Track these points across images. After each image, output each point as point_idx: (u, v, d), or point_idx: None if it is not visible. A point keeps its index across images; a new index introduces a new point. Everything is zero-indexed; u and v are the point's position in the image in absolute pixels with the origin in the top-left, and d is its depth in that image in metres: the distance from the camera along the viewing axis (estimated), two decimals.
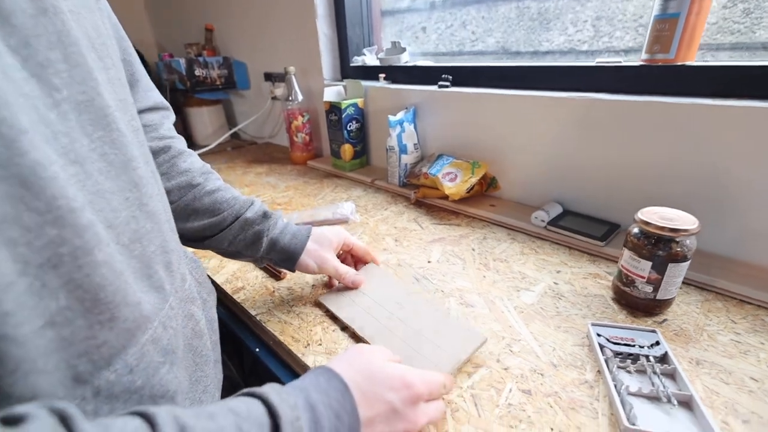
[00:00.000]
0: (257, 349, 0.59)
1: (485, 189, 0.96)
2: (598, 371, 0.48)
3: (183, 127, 1.76)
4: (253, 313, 0.62)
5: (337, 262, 0.61)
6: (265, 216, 0.58)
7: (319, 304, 0.62)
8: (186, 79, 1.51)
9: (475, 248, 0.77)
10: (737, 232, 0.66)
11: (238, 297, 0.66)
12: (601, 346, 0.49)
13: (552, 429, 0.42)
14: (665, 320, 0.56)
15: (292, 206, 1.01)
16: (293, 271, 0.60)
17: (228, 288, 0.68)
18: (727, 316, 0.57)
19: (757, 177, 0.62)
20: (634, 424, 0.40)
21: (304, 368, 0.52)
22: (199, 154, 1.60)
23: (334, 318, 0.59)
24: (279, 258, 0.58)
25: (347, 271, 0.62)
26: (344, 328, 0.57)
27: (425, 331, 0.53)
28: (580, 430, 0.41)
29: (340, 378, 0.36)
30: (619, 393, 0.43)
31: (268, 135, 1.72)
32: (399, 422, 0.37)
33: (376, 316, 0.57)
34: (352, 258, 0.69)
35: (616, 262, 0.68)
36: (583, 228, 0.75)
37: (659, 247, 0.53)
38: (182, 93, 1.61)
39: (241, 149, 1.64)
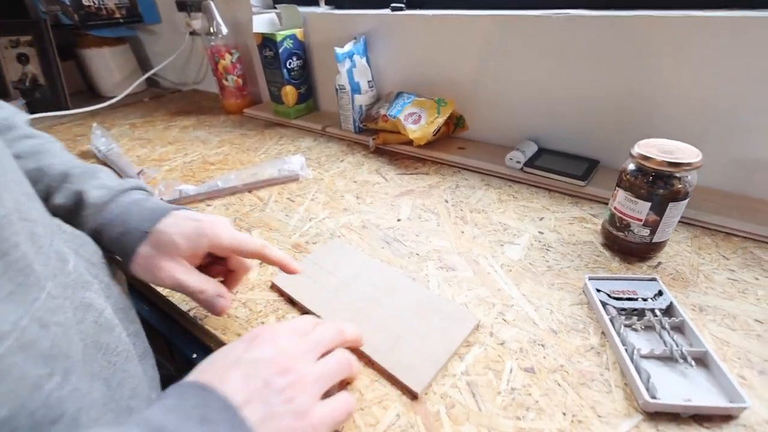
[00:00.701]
0: (194, 356, 0.49)
1: (452, 130, 0.86)
2: (603, 333, 0.43)
3: (81, 74, 1.48)
4: (185, 308, 0.50)
5: (183, 275, 0.40)
6: (79, 202, 0.41)
7: (274, 288, 0.52)
8: (72, 11, 1.22)
9: (448, 199, 0.69)
10: (718, 161, 0.62)
11: (162, 289, 0.53)
12: (604, 304, 0.44)
13: (564, 413, 0.36)
14: (660, 264, 0.52)
15: (228, 165, 0.86)
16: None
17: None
18: (717, 252, 0.53)
19: (741, 103, 0.57)
20: (654, 398, 0.35)
21: None
22: (107, 108, 1.38)
23: (292, 303, 0.50)
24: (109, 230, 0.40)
25: (201, 287, 0.40)
26: (306, 312, 0.48)
27: (407, 316, 0.45)
28: (595, 409, 0.36)
29: (192, 382, 0.29)
30: (632, 359, 0.38)
31: (193, 80, 1.49)
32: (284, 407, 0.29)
33: (346, 299, 0.48)
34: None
35: (600, 202, 0.63)
36: (561, 167, 0.69)
37: (659, 184, 0.46)
38: (72, 31, 1.32)
39: (162, 99, 1.41)
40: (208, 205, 0.72)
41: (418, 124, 0.80)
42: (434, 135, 0.80)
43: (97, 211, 0.40)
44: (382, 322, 0.44)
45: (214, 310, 0.41)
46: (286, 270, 0.44)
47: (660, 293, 0.44)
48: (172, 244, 0.40)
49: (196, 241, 0.40)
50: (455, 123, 0.86)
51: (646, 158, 0.46)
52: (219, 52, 1.11)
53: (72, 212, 0.41)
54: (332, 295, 0.48)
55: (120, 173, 0.84)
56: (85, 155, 0.95)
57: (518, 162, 0.72)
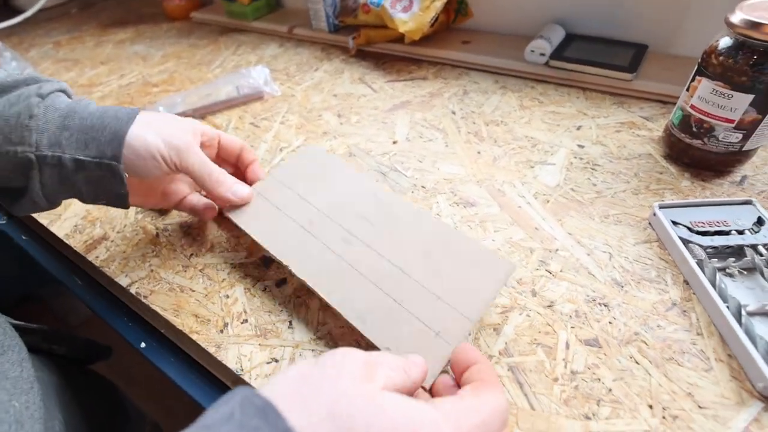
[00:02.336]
0: (142, 344, 0.38)
1: (452, 20, 0.67)
2: (685, 281, 0.32)
3: None
4: (124, 282, 0.38)
5: (204, 155, 0.34)
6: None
7: (226, 224, 0.40)
8: None
9: (456, 110, 0.54)
10: None
11: (97, 257, 0.41)
12: (685, 242, 0.32)
13: (650, 406, 0.26)
14: (745, 178, 0.39)
15: (174, 85, 0.69)
16: (125, 205, 0.33)
17: (78, 244, 0.42)
18: None
19: None
20: None
21: (225, 371, 0.32)
22: (24, 24, 1.12)
23: (263, 259, 0.37)
24: (70, 143, 0.30)
25: (223, 177, 0.35)
26: (283, 280, 0.36)
27: (411, 265, 0.30)
28: (693, 397, 0.26)
29: None
30: (739, 320, 0.27)
31: None
32: None
33: (322, 237, 0.33)
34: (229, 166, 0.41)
35: (653, 100, 0.49)
36: (599, 57, 0.53)
37: None
38: None
39: (92, 9, 1.15)
40: None
41: (409, 12, 0.61)
42: (431, 26, 0.62)
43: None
44: (375, 275, 0.30)
45: (240, 200, 0.36)
46: (256, 175, 0.40)
47: (761, 221, 0.33)
48: (181, 129, 0.33)
49: (193, 126, 0.35)
50: (456, 9, 0.67)
51: (755, 26, 0.31)
52: None
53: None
54: (304, 232, 0.34)
55: None
56: None
57: (542, 54, 0.55)
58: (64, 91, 0.33)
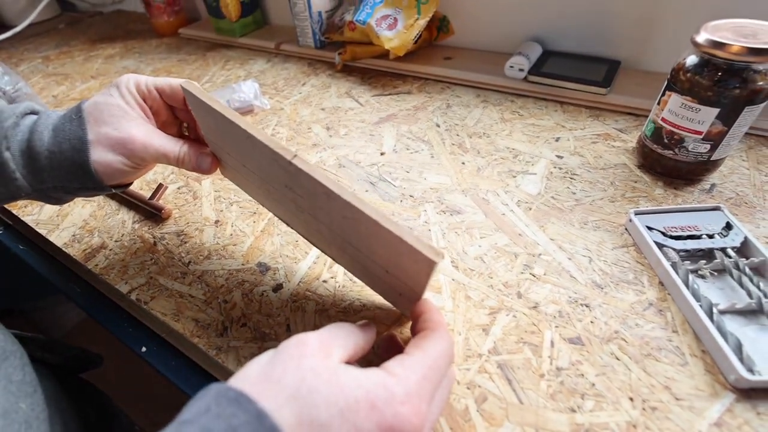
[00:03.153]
0: (143, 349, 0.38)
1: (435, 37, 0.70)
2: (660, 283, 0.34)
3: None
4: (124, 289, 0.38)
5: (159, 137, 0.33)
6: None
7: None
8: None
9: (440, 123, 0.56)
10: None
11: (96, 266, 0.41)
12: (659, 245, 0.34)
13: (631, 398, 0.27)
14: (713, 186, 0.42)
15: None
16: (94, 192, 0.34)
17: (77, 253, 0.43)
18: None
19: None
20: (752, 371, 0.26)
21: (226, 373, 0.32)
22: (13, 39, 1.12)
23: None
24: (53, 178, 0.32)
25: (182, 150, 0.33)
26: (279, 285, 0.37)
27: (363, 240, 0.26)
28: (671, 390, 0.27)
29: (272, 424, 0.18)
30: (711, 318, 0.29)
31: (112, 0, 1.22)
32: None
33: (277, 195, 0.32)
34: (172, 113, 0.37)
35: (626, 113, 0.52)
36: (575, 72, 0.56)
37: (732, 82, 0.35)
38: None
39: (80, 25, 1.16)
40: None
41: (394, 29, 0.64)
42: (415, 43, 0.65)
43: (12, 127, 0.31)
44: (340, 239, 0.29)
45: (203, 168, 0.34)
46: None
47: (729, 226, 0.35)
48: (115, 107, 0.32)
49: (123, 92, 0.32)
50: (438, 27, 0.70)
51: (718, 45, 0.34)
52: None
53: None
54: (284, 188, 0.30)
55: None
56: None
57: (521, 70, 0.58)
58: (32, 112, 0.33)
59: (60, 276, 0.47)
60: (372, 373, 0.21)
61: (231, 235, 0.43)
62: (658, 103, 0.40)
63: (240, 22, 0.86)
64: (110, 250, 0.42)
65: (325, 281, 0.37)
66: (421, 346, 0.23)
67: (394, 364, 0.22)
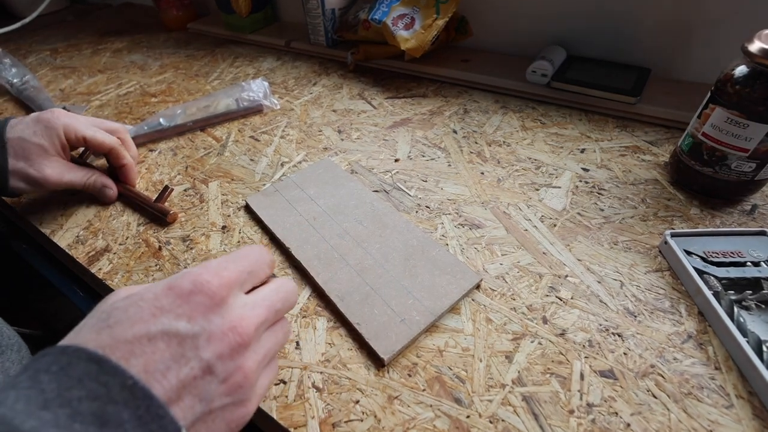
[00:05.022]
0: None
1: (452, 38, 0.68)
2: (700, 313, 0.31)
3: None
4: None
5: (67, 172, 0.42)
6: None
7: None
8: None
9: (457, 129, 0.53)
10: None
11: (99, 270, 0.39)
12: (700, 272, 0.31)
13: None
14: (755, 208, 0.39)
15: (173, 96, 0.67)
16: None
17: (80, 256, 0.41)
18: None
19: None
20: None
21: None
22: (21, 31, 1.10)
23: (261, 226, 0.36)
24: None
25: (84, 178, 0.43)
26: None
27: (391, 264, 0.36)
28: None
29: (84, 350, 0.17)
30: (761, 356, 0.26)
31: None
32: (206, 343, 0.20)
33: (322, 232, 0.39)
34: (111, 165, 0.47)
35: (656, 124, 0.49)
36: (602, 79, 0.53)
37: None
38: None
39: (88, 17, 1.14)
40: (151, 150, 0.55)
41: (411, 29, 0.61)
42: (432, 44, 0.62)
43: None
44: (359, 266, 0.36)
45: (104, 199, 0.45)
46: (126, 179, 0.46)
47: None
48: (36, 146, 0.39)
49: (51, 135, 0.40)
50: (456, 28, 0.67)
51: None
52: None
53: None
54: (308, 225, 0.40)
55: (38, 112, 0.65)
56: None
57: (544, 75, 0.55)
58: None
59: (63, 278, 0.45)
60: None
61: (238, 242, 0.40)
62: (699, 116, 0.37)
63: (250, 18, 0.84)
64: (114, 253, 0.40)
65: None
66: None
67: None
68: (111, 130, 0.45)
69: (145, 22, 1.05)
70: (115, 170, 0.46)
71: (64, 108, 0.64)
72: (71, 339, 0.19)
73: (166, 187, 0.45)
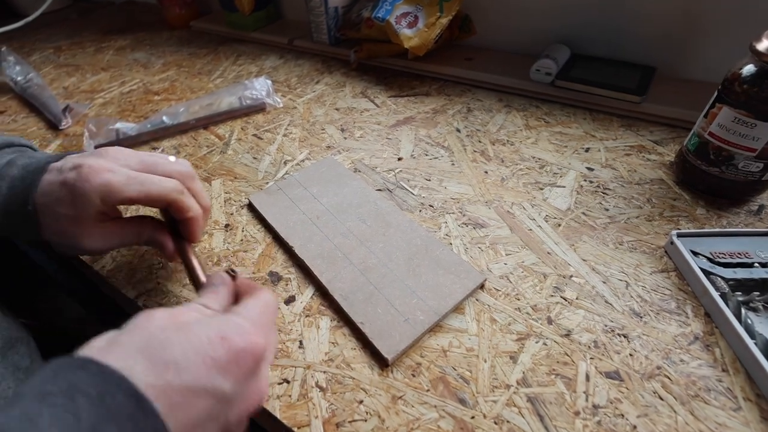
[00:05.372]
0: None
1: (455, 36, 0.67)
2: (706, 314, 0.31)
3: None
4: (131, 294, 0.36)
5: (114, 237, 0.31)
6: None
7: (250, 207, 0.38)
8: None
9: (461, 128, 0.53)
10: None
11: (103, 267, 0.39)
12: (707, 273, 0.31)
13: None
14: (761, 207, 0.39)
15: (176, 94, 0.67)
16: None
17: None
18: None
19: None
20: None
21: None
22: (25, 29, 1.10)
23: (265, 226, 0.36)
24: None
25: (142, 237, 0.32)
26: (292, 298, 0.34)
27: (395, 263, 0.35)
28: None
29: (128, 383, 0.17)
30: None
31: None
32: (235, 406, 0.20)
33: (325, 231, 0.39)
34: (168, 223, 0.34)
35: (661, 124, 0.49)
36: (606, 78, 0.53)
37: None
38: None
39: (91, 15, 1.14)
40: (154, 148, 0.55)
41: (414, 27, 0.61)
42: (435, 42, 0.62)
43: None
44: (362, 265, 0.35)
45: (166, 253, 0.32)
46: (188, 234, 0.32)
47: None
48: (64, 217, 0.28)
49: (82, 205, 0.28)
50: (459, 26, 0.67)
51: None
52: None
53: None
54: (311, 224, 0.40)
55: (42, 110, 0.65)
56: None
57: (548, 74, 0.55)
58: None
59: (66, 275, 0.45)
60: (218, 316, 0.22)
61: (242, 240, 0.40)
62: (705, 116, 0.37)
63: (253, 16, 0.84)
64: (118, 251, 0.40)
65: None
66: (252, 295, 0.25)
67: (234, 309, 0.23)
68: (167, 173, 0.30)
69: (147, 20, 1.05)
70: (176, 223, 0.32)
71: (67, 107, 0.63)
72: (115, 354, 0.18)
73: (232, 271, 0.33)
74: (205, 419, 0.18)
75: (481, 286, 0.34)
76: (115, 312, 0.40)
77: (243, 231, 0.41)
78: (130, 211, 0.44)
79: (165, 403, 0.17)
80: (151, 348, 0.18)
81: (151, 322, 0.20)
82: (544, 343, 0.30)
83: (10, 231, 0.31)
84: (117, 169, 0.28)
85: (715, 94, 0.36)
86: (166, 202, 0.29)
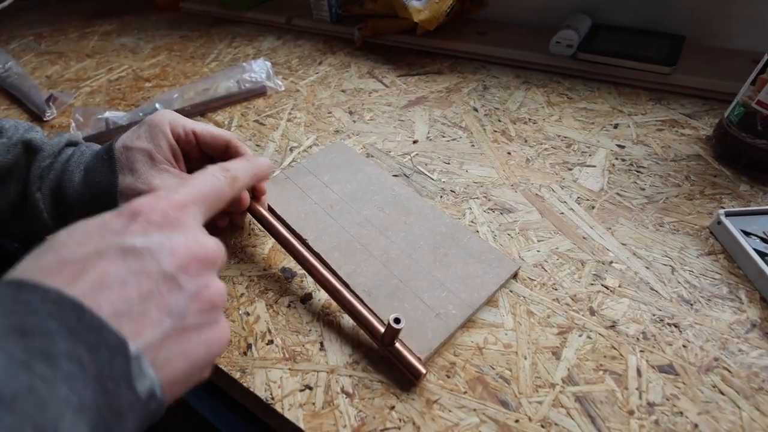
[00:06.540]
0: None
1: (467, 8, 0.63)
2: (762, 299, 0.28)
3: None
4: None
5: (179, 182, 0.31)
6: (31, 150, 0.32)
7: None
8: None
9: (478, 107, 0.50)
10: None
11: None
12: (762, 254, 0.29)
13: None
14: None
15: (168, 80, 0.63)
16: None
17: None
18: None
19: None
20: None
21: (252, 399, 0.27)
22: (1, 14, 1.04)
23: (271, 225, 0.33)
24: (77, 218, 0.28)
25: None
26: (308, 295, 0.32)
27: (419, 254, 0.33)
28: None
29: (60, 294, 0.15)
30: None
31: None
32: (164, 260, 0.18)
33: (341, 221, 0.36)
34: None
35: (694, 96, 0.46)
36: (633, 49, 0.49)
37: None
38: None
39: (72, 0, 1.08)
40: None
41: None
42: (447, 15, 0.58)
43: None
44: (384, 257, 0.33)
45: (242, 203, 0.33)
46: (256, 189, 0.34)
47: None
48: (141, 152, 0.31)
49: (155, 135, 0.31)
50: None
51: None
52: None
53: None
54: (324, 214, 0.37)
55: (24, 100, 0.61)
56: None
57: (569, 46, 0.52)
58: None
59: None
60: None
61: (249, 234, 0.38)
62: (753, 83, 0.34)
63: None
64: None
65: None
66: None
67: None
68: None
69: (134, 2, 0.99)
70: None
71: (51, 96, 0.60)
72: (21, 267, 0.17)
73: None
74: (127, 274, 0.17)
75: (515, 276, 0.32)
76: None
77: (250, 224, 0.38)
78: None
79: (68, 275, 0.16)
80: (43, 248, 0.17)
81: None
82: (588, 337, 0.28)
83: (91, 181, 0.31)
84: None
85: (765, 58, 0.33)
86: (225, 140, 0.33)
